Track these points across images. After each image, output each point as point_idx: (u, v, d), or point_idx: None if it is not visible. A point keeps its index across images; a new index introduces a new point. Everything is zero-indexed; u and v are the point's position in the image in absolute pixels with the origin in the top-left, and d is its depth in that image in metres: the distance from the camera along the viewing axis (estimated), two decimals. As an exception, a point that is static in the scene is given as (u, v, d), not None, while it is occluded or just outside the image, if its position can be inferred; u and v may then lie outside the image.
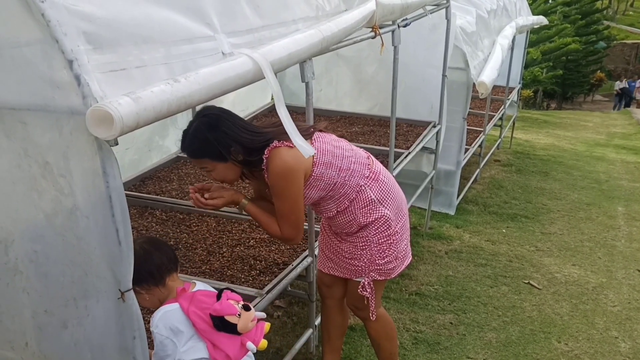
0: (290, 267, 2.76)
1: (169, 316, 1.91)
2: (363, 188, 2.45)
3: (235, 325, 1.93)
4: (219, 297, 1.96)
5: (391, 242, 2.53)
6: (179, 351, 1.89)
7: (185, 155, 2.39)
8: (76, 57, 1.34)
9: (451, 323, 3.85)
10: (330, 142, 2.41)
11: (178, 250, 2.88)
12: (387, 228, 2.51)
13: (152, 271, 1.94)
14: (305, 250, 2.89)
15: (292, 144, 2.18)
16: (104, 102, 1.33)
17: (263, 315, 2.08)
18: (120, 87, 1.42)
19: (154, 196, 3.45)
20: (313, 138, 2.37)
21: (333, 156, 2.37)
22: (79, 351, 1.68)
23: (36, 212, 1.55)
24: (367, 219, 2.48)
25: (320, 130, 2.46)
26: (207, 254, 2.85)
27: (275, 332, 3.50)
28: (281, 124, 2.09)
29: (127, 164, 3.95)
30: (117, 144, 1.42)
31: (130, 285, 1.55)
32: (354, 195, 2.45)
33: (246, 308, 1.98)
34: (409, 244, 2.74)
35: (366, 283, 2.57)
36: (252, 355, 2.04)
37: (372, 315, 2.68)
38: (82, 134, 1.38)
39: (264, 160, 2.25)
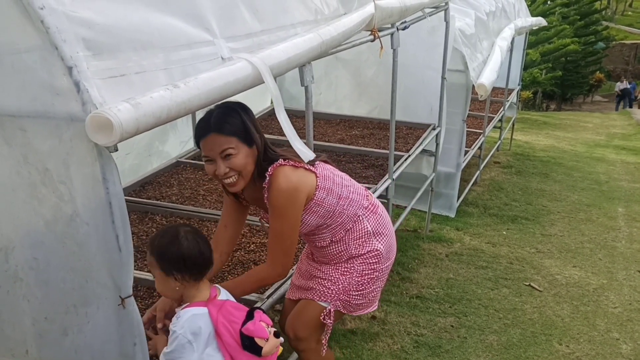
0: (290, 271, 2.75)
1: (196, 320, 1.88)
2: (360, 218, 2.40)
3: (261, 348, 1.92)
4: (250, 314, 1.95)
5: (372, 278, 2.44)
6: (195, 357, 1.87)
7: (197, 146, 2.16)
8: (75, 64, 1.34)
9: (452, 326, 3.85)
10: (332, 170, 2.37)
11: (178, 255, 2.87)
12: (376, 262, 2.43)
13: (201, 269, 1.93)
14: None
15: (298, 164, 2.18)
16: (104, 108, 1.33)
17: (281, 340, 2.04)
18: (119, 93, 1.42)
19: (154, 201, 3.45)
20: (316, 165, 2.31)
21: (334, 183, 2.32)
22: (79, 358, 1.68)
23: (36, 219, 1.55)
24: (359, 250, 2.40)
25: (323, 161, 2.39)
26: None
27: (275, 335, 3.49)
28: (292, 150, 2.08)
29: (127, 169, 3.96)
30: (116, 150, 1.41)
31: (131, 292, 1.55)
32: (350, 225, 2.39)
33: (276, 335, 1.98)
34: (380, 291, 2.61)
35: (332, 310, 2.41)
36: None
37: (323, 348, 2.50)
38: (82, 140, 1.38)
39: (267, 178, 2.17)
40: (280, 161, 2.18)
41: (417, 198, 4.59)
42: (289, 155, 2.22)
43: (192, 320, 1.87)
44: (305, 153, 2.03)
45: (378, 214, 2.47)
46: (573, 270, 4.81)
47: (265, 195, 2.21)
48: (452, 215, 5.83)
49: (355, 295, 2.43)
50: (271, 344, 1.94)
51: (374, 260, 2.42)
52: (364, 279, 2.42)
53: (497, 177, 7.28)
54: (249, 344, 1.90)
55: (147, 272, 2.68)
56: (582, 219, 6.04)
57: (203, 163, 4.04)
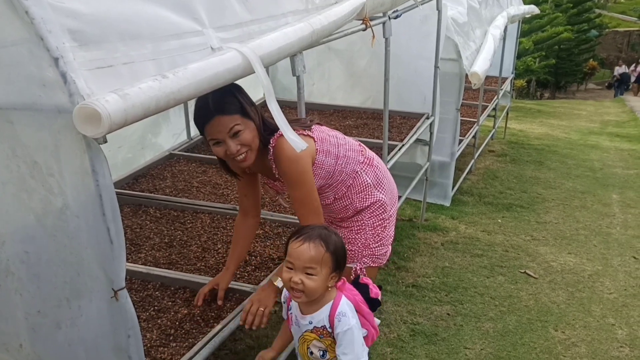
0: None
1: (351, 306, 2.06)
2: (359, 173, 2.51)
3: (380, 304, 2.22)
4: (356, 282, 2.22)
5: (385, 226, 2.60)
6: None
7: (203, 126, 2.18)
8: (62, 55, 1.33)
9: (448, 314, 3.86)
10: (326, 131, 2.47)
11: (173, 247, 2.87)
12: (383, 212, 2.58)
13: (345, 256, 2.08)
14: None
15: (296, 131, 2.18)
16: (91, 99, 1.31)
17: None
18: (107, 84, 1.40)
19: (147, 194, 3.43)
20: (312, 129, 2.40)
21: (330, 144, 2.41)
22: (73, 351, 1.67)
23: (26, 212, 1.53)
24: (363, 203, 2.54)
25: (317, 123, 2.50)
26: (202, 251, 2.84)
27: (272, 327, 3.49)
28: (292, 120, 2.11)
29: (120, 162, 3.94)
30: (105, 141, 1.40)
31: (123, 284, 1.54)
32: (350, 182, 2.50)
33: (380, 288, 2.27)
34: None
35: (359, 269, 2.57)
36: None
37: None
38: (70, 132, 1.36)
39: (271, 150, 2.24)
40: (280, 132, 2.22)
41: (411, 187, 4.59)
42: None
43: (351, 309, 2.06)
44: (298, 143, 2.02)
45: (374, 166, 2.58)
46: (568, 257, 4.83)
47: (274, 167, 2.28)
48: (447, 204, 5.83)
49: (376, 246, 2.59)
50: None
51: (380, 211, 2.57)
52: (377, 230, 2.58)
53: (491, 165, 7.29)
54: (376, 302, 2.20)
55: (141, 264, 2.68)
56: (577, 206, 6.05)
57: (196, 155, 4.05)
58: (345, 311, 2.03)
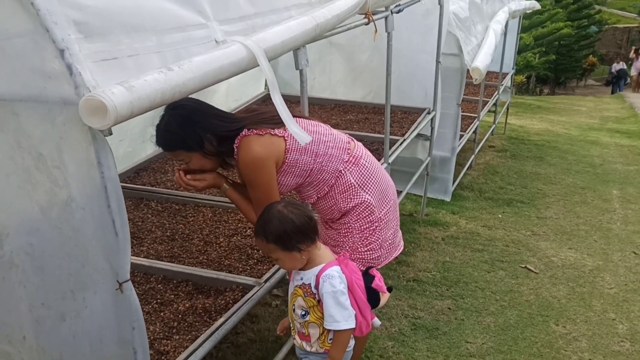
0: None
1: (341, 275, 2.11)
2: (342, 173, 2.42)
3: (379, 302, 2.21)
4: (367, 274, 2.23)
5: (374, 229, 2.49)
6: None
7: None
8: (67, 46, 1.33)
9: (449, 308, 3.86)
10: (307, 127, 2.37)
11: (175, 240, 2.87)
12: (370, 214, 2.47)
13: (313, 227, 2.13)
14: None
15: (262, 131, 2.23)
16: (97, 91, 1.31)
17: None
18: (112, 77, 1.40)
19: (149, 187, 3.44)
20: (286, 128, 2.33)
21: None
22: (77, 343, 1.67)
23: (31, 204, 1.53)
24: (347, 204, 2.44)
25: (297, 116, 2.37)
26: (204, 244, 2.84)
27: (273, 320, 3.50)
28: (255, 110, 2.18)
29: (122, 155, 3.93)
30: (111, 134, 1.40)
31: (128, 276, 1.54)
32: (333, 181, 2.42)
33: (390, 290, 2.28)
34: (398, 232, 2.69)
35: None
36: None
37: None
38: (76, 124, 1.36)
39: (235, 150, 2.25)
40: (245, 131, 2.24)
41: (412, 182, 4.59)
42: (253, 120, 2.28)
43: (341, 277, 2.11)
44: (301, 136, 2.01)
45: (361, 165, 2.47)
46: (569, 252, 4.83)
47: (237, 165, 2.31)
48: (448, 199, 5.84)
49: (364, 250, 2.50)
50: (386, 297, 2.25)
51: (366, 213, 2.47)
52: (365, 234, 2.48)
53: (492, 161, 7.29)
54: (376, 297, 2.18)
55: (144, 257, 2.69)
56: (577, 201, 6.05)
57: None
58: (333, 275, 2.09)
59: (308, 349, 2.22)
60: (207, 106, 2.30)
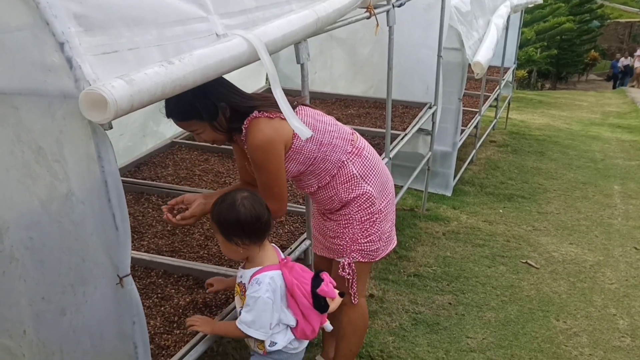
0: (288, 250, 2.75)
1: (275, 282, 2.07)
2: (345, 163, 2.43)
3: (328, 307, 2.16)
4: (317, 277, 2.17)
5: (374, 221, 2.50)
6: (275, 317, 2.08)
7: (178, 137, 2.36)
8: (67, 40, 1.31)
9: (450, 303, 3.86)
10: (314, 115, 2.39)
11: (175, 235, 2.86)
12: (370, 205, 2.48)
13: (258, 229, 2.07)
14: (303, 233, 2.88)
15: (273, 115, 2.22)
16: (97, 84, 1.30)
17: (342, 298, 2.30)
18: (112, 70, 1.39)
19: (149, 182, 3.43)
20: (296, 110, 2.32)
21: (314, 129, 2.33)
22: (77, 338, 1.67)
23: (31, 198, 1.53)
24: (349, 195, 2.45)
25: (305, 105, 2.43)
26: (205, 239, 2.84)
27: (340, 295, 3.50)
28: (270, 97, 2.11)
29: (122, 150, 3.92)
30: (111, 127, 1.39)
31: (129, 271, 1.53)
32: (335, 171, 2.43)
33: (341, 295, 2.23)
34: (394, 227, 2.71)
35: (346, 263, 2.53)
36: None
37: (353, 299, 2.62)
38: (76, 118, 1.35)
39: (243, 131, 2.23)
40: (255, 113, 2.22)
41: (413, 177, 4.58)
42: (265, 103, 2.26)
43: (271, 283, 2.06)
44: (303, 130, 2.01)
45: (363, 156, 2.49)
46: (569, 247, 4.83)
47: (245, 147, 2.28)
48: (449, 194, 5.83)
49: (365, 242, 2.51)
50: (336, 303, 2.21)
51: (367, 205, 2.48)
52: (365, 225, 2.50)
53: (493, 155, 7.28)
54: (323, 303, 2.14)
55: (144, 252, 2.68)
56: (578, 196, 6.05)
57: (198, 143, 4.04)
58: (262, 281, 2.05)
59: (250, 345, 2.23)
60: (221, 78, 2.26)
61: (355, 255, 2.52)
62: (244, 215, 2.03)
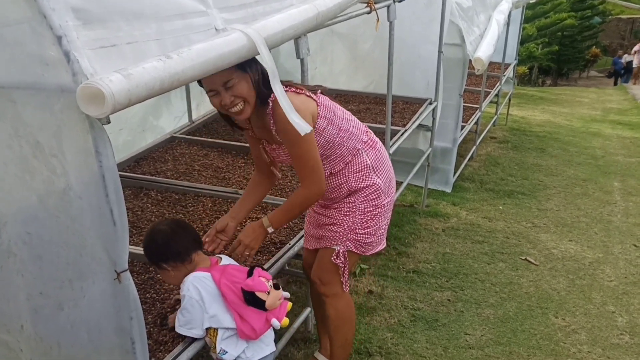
0: (287, 246, 2.75)
1: (199, 282, 2.03)
2: (360, 152, 2.47)
3: (264, 302, 2.06)
4: (250, 273, 2.10)
5: (375, 214, 2.52)
6: (205, 316, 2.02)
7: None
8: (65, 33, 1.31)
9: (449, 300, 3.86)
10: (332, 102, 2.43)
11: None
12: (376, 198, 2.50)
13: (179, 250, 2.07)
14: (302, 229, 2.88)
15: (299, 90, 2.23)
16: (95, 79, 1.30)
17: (287, 295, 2.20)
18: (111, 64, 1.38)
19: (148, 177, 3.42)
20: (317, 94, 2.36)
21: (334, 114, 2.38)
22: (75, 333, 1.67)
23: (28, 193, 1.52)
24: (359, 184, 2.47)
25: (323, 94, 2.44)
26: (204, 234, 2.83)
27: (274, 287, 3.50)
28: (298, 84, 2.14)
29: (121, 144, 3.92)
30: (109, 122, 1.39)
31: (126, 266, 1.53)
32: (349, 158, 2.45)
33: (276, 287, 2.12)
34: (387, 228, 2.70)
35: (340, 252, 2.52)
36: (273, 332, 2.18)
37: (344, 287, 2.62)
38: (73, 112, 1.35)
39: (270, 104, 2.19)
40: (283, 87, 2.18)
41: (413, 173, 4.58)
42: (291, 83, 2.28)
43: (195, 282, 2.02)
44: (302, 126, 2.00)
45: (377, 149, 2.54)
46: (569, 244, 4.82)
47: (272, 123, 2.23)
48: (449, 190, 5.82)
49: (362, 233, 2.52)
50: (273, 297, 2.09)
51: (374, 197, 2.50)
52: (367, 216, 2.51)
53: (493, 152, 7.27)
54: (251, 298, 2.05)
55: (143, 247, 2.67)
56: (578, 193, 6.04)
57: (197, 138, 4.03)
58: (186, 281, 2.04)
59: (211, 354, 2.18)
60: None
61: (349, 244, 2.52)
62: (161, 241, 2.07)
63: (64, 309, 1.65)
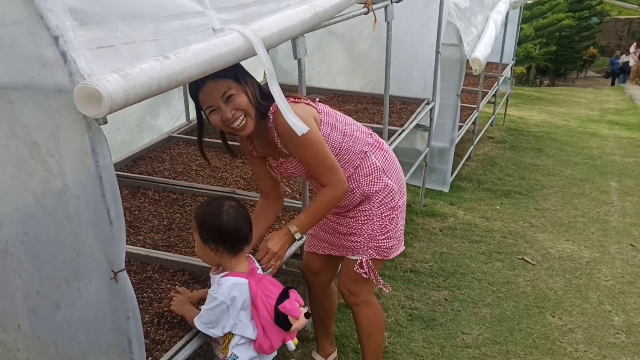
0: (285, 246, 2.75)
1: (237, 288, 2.02)
2: (367, 155, 2.45)
3: (291, 325, 2.09)
4: (285, 293, 2.11)
5: (393, 217, 2.51)
6: (230, 322, 2.02)
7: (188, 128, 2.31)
8: (62, 34, 1.31)
9: (446, 299, 3.87)
10: (331, 109, 2.43)
11: (172, 230, 2.86)
12: (391, 200, 2.49)
13: (235, 240, 2.07)
14: (299, 229, 2.88)
15: (298, 99, 2.23)
16: (92, 79, 1.30)
17: (307, 310, 2.22)
18: (108, 64, 1.39)
19: (146, 176, 3.43)
20: (316, 102, 2.37)
21: (336, 120, 2.37)
22: (72, 332, 1.67)
23: (25, 193, 1.52)
24: (371, 187, 2.45)
25: (321, 101, 2.44)
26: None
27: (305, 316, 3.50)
28: (296, 95, 2.13)
29: (119, 144, 3.92)
30: (106, 122, 1.39)
31: (123, 266, 1.53)
32: (358, 162, 2.44)
33: (307, 316, 2.15)
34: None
35: (364, 261, 2.51)
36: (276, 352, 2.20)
37: (383, 286, 2.62)
38: (70, 112, 1.35)
39: (271, 117, 2.18)
40: None
41: (410, 173, 4.58)
42: (291, 95, 2.25)
43: (232, 289, 2.01)
44: (299, 126, 2.00)
45: (384, 150, 2.53)
46: (566, 244, 4.83)
47: (276, 135, 2.21)
48: (446, 190, 5.83)
49: (382, 239, 2.51)
50: (300, 323, 2.12)
51: (388, 199, 2.48)
52: (385, 221, 2.49)
53: (490, 152, 7.28)
54: (283, 320, 2.08)
55: (140, 246, 2.68)
56: (575, 193, 6.05)
57: (195, 138, 4.02)
58: (223, 284, 2.02)
59: (216, 352, 2.19)
60: None
61: (371, 252, 2.51)
62: (225, 224, 2.03)
63: (61, 309, 1.65)
